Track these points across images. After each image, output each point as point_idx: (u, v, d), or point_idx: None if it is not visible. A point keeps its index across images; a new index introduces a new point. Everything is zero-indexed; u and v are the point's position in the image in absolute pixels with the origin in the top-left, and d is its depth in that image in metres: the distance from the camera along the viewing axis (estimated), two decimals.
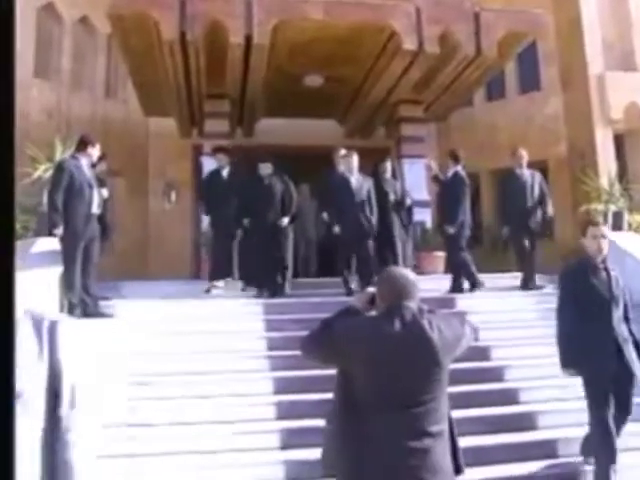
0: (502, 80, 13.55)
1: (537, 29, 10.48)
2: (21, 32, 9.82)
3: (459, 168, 8.92)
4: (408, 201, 9.73)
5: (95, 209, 7.01)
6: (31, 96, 11.25)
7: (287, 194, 8.87)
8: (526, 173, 9.04)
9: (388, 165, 9.71)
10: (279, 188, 8.84)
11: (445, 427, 2.69)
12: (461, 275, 8.62)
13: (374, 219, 8.71)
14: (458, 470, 2.71)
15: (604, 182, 10.27)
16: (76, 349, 6.14)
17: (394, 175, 9.97)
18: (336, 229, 8.57)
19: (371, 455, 2.57)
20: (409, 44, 9.41)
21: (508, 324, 7.09)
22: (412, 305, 2.75)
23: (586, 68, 12.14)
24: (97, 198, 7.06)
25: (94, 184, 7.04)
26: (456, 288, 8.55)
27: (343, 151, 9.14)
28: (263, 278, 8.56)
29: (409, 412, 2.60)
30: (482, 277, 8.59)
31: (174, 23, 8.87)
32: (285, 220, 8.79)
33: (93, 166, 7.33)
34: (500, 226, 9.44)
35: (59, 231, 6.74)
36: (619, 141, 12.27)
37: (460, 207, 8.70)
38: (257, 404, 5.53)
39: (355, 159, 8.87)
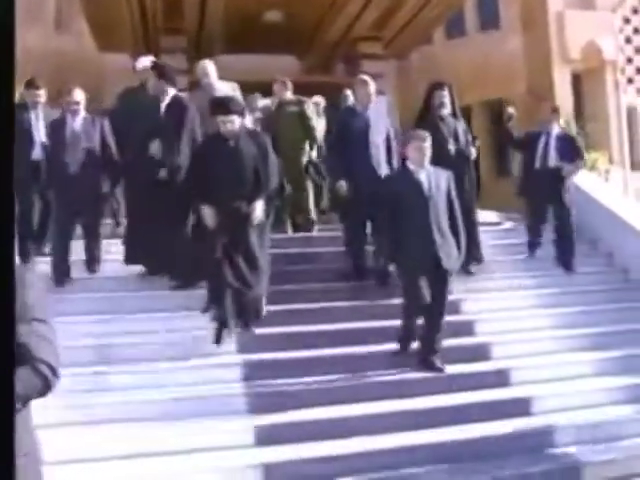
0: (462, 18, 13.49)
1: None
2: None
3: None
4: (474, 152, 6.79)
5: (37, 156, 6.55)
6: None
7: (262, 161, 5.28)
8: None
9: (446, 95, 6.48)
10: (251, 153, 5.27)
11: None
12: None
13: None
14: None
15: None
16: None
17: (454, 112, 6.65)
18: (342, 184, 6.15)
19: None
20: None
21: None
22: None
23: (546, 6, 12.14)
24: (38, 144, 6.58)
25: (37, 128, 6.61)
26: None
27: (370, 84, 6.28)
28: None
29: None
30: None
31: None
32: (257, 208, 5.21)
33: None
34: None
35: None
36: (577, 80, 12.38)
37: None
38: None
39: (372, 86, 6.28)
